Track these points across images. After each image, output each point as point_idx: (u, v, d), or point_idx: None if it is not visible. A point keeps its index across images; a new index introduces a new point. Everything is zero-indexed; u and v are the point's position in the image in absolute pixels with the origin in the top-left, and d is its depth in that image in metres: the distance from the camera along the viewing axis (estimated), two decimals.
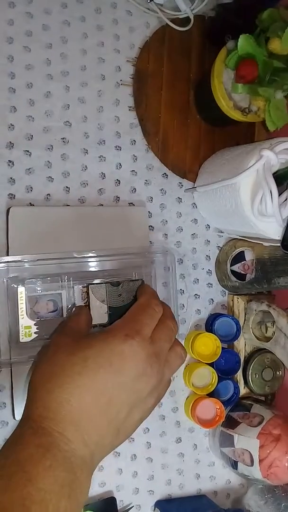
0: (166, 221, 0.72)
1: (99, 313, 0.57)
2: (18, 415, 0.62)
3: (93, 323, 0.57)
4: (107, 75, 0.68)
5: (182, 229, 0.73)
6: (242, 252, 0.72)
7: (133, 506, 0.69)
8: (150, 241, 0.71)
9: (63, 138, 0.66)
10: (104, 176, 0.68)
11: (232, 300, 0.75)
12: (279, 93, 0.61)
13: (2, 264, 0.58)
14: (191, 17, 0.69)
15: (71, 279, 0.60)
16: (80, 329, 0.52)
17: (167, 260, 0.68)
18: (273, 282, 0.66)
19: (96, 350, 0.44)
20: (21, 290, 0.59)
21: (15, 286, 0.59)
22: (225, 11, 0.70)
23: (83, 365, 0.42)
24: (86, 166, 0.67)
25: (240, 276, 0.72)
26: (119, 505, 0.68)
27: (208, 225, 0.75)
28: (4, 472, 0.36)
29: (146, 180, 0.71)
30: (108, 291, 0.57)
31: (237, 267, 0.72)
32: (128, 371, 0.44)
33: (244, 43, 0.60)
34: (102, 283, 0.58)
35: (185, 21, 0.70)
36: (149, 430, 0.70)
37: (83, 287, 0.63)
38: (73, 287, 0.63)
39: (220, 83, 0.64)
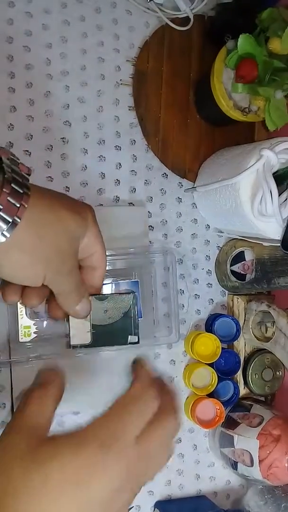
0: (166, 221, 0.72)
1: (80, 332, 0.49)
2: None
3: (73, 343, 0.49)
4: (107, 75, 0.68)
5: (182, 229, 0.73)
6: (242, 252, 0.72)
7: (132, 507, 0.69)
8: (150, 241, 0.70)
9: (63, 138, 0.66)
10: (104, 176, 0.68)
11: (232, 300, 0.75)
12: (279, 93, 0.61)
13: None
14: (191, 17, 0.69)
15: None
16: (40, 426, 0.37)
17: (167, 260, 0.68)
18: (273, 282, 0.66)
19: (60, 464, 0.33)
20: None
21: None
22: (225, 11, 0.70)
23: (43, 485, 0.31)
24: (85, 166, 0.67)
25: (240, 276, 0.72)
26: None
27: (208, 225, 0.75)
28: None
29: (146, 180, 0.71)
30: (92, 306, 0.48)
31: (237, 267, 0.72)
32: (99, 489, 0.33)
33: (244, 42, 0.60)
34: None
35: (185, 20, 0.70)
36: None
37: None
38: None
39: (220, 83, 0.64)
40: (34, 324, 0.59)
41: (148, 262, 0.67)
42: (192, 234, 0.74)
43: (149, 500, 0.70)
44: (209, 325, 0.73)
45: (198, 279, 0.74)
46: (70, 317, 0.48)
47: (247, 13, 0.63)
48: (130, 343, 0.52)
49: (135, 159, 0.70)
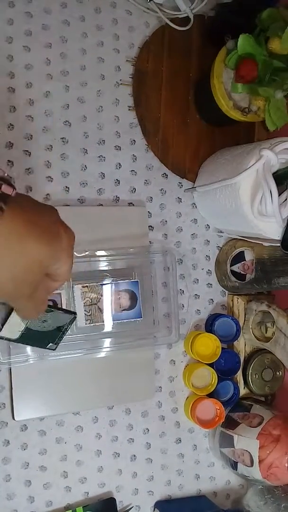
0: (166, 221, 0.72)
1: (13, 328, 0.52)
2: (18, 416, 0.62)
3: (0, 334, 0.52)
4: (106, 75, 0.68)
5: (182, 229, 0.73)
6: (242, 252, 0.72)
7: (132, 507, 0.69)
8: (150, 241, 0.70)
9: (63, 138, 0.66)
10: (104, 176, 0.68)
11: (232, 300, 0.75)
12: (279, 93, 0.61)
13: None
14: (191, 17, 0.69)
15: (70, 278, 0.60)
16: None
17: (167, 260, 0.68)
18: (273, 282, 0.66)
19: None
20: None
21: None
22: (225, 11, 0.70)
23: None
24: (85, 166, 0.67)
25: (240, 276, 0.72)
26: (119, 506, 0.68)
27: (208, 225, 0.75)
28: None
29: (146, 180, 0.71)
30: None
31: (237, 267, 0.72)
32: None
33: (244, 42, 0.60)
34: None
35: (184, 20, 0.70)
36: (148, 430, 0.70)
37: (83, 286, 0.63)
38: (72, 287, 0.62)
39: (220, 83, 0.64)
40: None
41: (148, 262, 0.67)
42: (192, 234, 0.74)
43: (149, 500, 0.70)
44: (209, 325, 0.73)
45: (198, 279, 0.74)
46: (11, 313, 0.51)
47: (247, 13, 0.63)
48: (48, 348, 0.56)
49: (135, 159, 0.70)
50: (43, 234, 0.39)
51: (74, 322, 0.57)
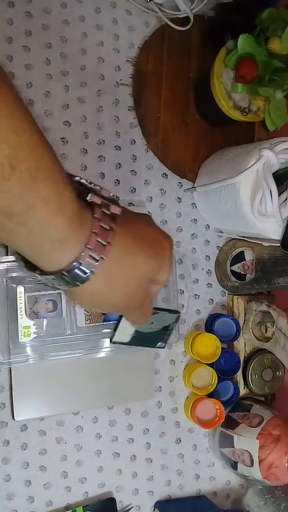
0: (166, 221, 0.72)
1: (124, 332, 0.56)
2: (18, 416, 0.62)
3: (114, 340, 0.57)
4: (106, 75, 0.68)
5: (182, 229, 0.73)
6: (242, 252, 0.72)
7: (132, 507, 0.69)
8: None
9: (63, 138, 0.66)
10: (104, 176, 0.68)
11: (232, 301, 0.75)
12: (279, 93, 0.61)
13: (2, 264, 0.58)
14: (191, 17, 0.69)
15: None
16: None
17: None
18: (273, 282, 0.66)
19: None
20: (21, 289, 0.59)
21: (15, 285, 0.59)
22: (225, 11, 0.70)
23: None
24: (85, 166, 0.67)
25: (240, 276, 0.72)
26: (119, 506, 0.68)
27: (208, 225, 0.75)
28: None
29: (146, 180, 0.71)
30: None
31: (237, 267, 0.72)
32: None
33: (243, 42, 0.60)
34: None
35: (184, 20, 0.70)
36: (148, 430, 0.70)
37: None
38: None
39: (220, 83, 0.64)
40: (34, 324, 0.59)
41: None
42: (192, 234, 0.74)
43: (149, 500, 0.70)
44: (209, 325, 0.73)
45: (198, 279, 0.74)
46: (121, 319, 0.55)
47: (247, 13, 0.63)
48: (157, 347, 0.61)
49: (135, 159, 0.70)
50: (150, 249, 0.41)
51: (179, 320, 0.60)
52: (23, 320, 0.59)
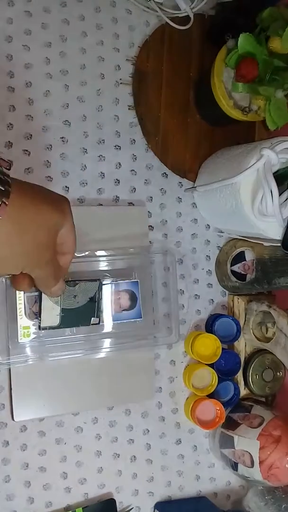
0: (166, 221, 0.72)
1: (50, 315, 0.55)
2: (17, 416, 0.62)
3: (43, 326, 0.55)
4: (106, 74, 0.68)
5: (182, 229, 0.73)
6: (242, 252, 0.72)
7: (132, 508, 0.69)
8: (150, 241, 0.70)
9: (62, 138, 0.66)
10: (104, 175, 0.68)
11: (232, 301, 0.75)
12: (280, 92, 0.61)
13: None
14: (191, 16, 0.69)
15: (69, 278, 0.60)
16: None
17: (167, 260, 0.68)
18: (273, 283, 0.66)
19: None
20: None
21: None
22: (225, 10, 0.69)
23: None
24: (85, 165, 0.67)
25: (240, 276, 0.72)
26: (119, 507, 0.68)
27: (208, 225, 0.74)
28: None
29: (146, 180, 0.71)
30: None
31: (237, 267, 0.72)
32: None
33: (244, 42, 0.60)
34: None
35: (185, 20, 0.69)
36: (149, 431, 0.70)
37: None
38: None
39: (220, 82, 0.63)
40: (33, 325, 0.59)
41: (148, 262, 0.67)
42: (192, 234, 0.74)
43: (149, 501, 0.70)
44: (209, 325, 0.72)
45: (198, 279, 0.74)
46: (42, 301, 0.53)
47: (247, 12, 0.63)
48: (92, 324, 0.59)
49: (135, 158, 0.70)
50: (50, 199, 0.43)
51: (102, 288, 0.58)
52: (23, 321, 0.59)
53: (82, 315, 0.58)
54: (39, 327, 0.56)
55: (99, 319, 0.59)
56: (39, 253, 0.43)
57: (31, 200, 0.41)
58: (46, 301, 0.53)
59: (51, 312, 0.54)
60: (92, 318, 0.58)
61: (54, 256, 0.45)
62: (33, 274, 0.45)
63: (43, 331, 0.57)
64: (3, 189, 0.38)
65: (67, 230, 0.45)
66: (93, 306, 0.58)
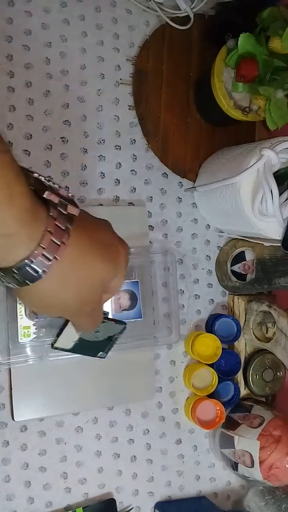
0: (166, 221, 0.72)
1: (67, 340, 0.55)
2: (17, 416, 0.62)
3: (56, 345, 0.55)
4: (106, 74, 0.68)
5: (182, 229, 0.73)
6: (243, 252, 0.72)
7: (132, 508, 0.69)
8: (150, 241, 0.70)
9: (63, 138, 0.66)
10: (104, 175, 0.68)
11: (233, 301, 0.75)
12: (280, 92, 0.61)
13: None
14: (191, 16, 0.69)
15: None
16: None
17: (167, 260, 0.68)
18: (273, 283, 0.66)
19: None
20: None
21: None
22: (225, 10, 0.69)
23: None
24: (85, 165, 0.67)
25: (240, 276, 0.72)
26: (119, 507, 0.67)
27: (208, 225, 0.74)
28: None
29: (146, 180, 0.71)
30: None
31: (237, 267, 0.72)
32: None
33: (244, 42, 0.60)
34: None
35: (185, 19, 0.69)
36: (149, 431, 0.70)
37: None
38: None
39: (221, 82, 0.63)
40: (33, 325, 0.59)
41: (148, 262, 0.67)
42: (192, 234, 0.74)
43: (149, 501, 0.70)
44: (210, 325, 0.72)
45: (198, 279, 0.74)
46: (66, 327, 0.53)
47: (247, 12, 0.63)
48: (98, 357, 0.59)
49: (135, 158, 0.70)
50: (107, 253, 0.40)
51: (123, 332, 0.58)
52: (23, 321, 0.59)
53: (93, 347, 0.58)
54: (52, 345, 0.56)
55: (106, 355, 0.59)
56: (80, 306, 0.40)
57: (87, 251, 0.38)
58: (70, 327, 0.53)
59: (69, 337, 0.54)
60: (100, 352, 0.59)
61: (98, 305, 0.43)
62: (72, 321, 0.45)
63: (52, 348, 0.57)
64: (63, 228, 0.35)
65: (118, 279, 0.42)
66: (106, 344, 0.58)
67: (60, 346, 0.55)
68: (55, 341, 0.55)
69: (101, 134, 0.68)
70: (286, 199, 0.58)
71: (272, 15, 0.61)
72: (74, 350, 0.56)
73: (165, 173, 0.71)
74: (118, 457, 0.68)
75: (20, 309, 0.59)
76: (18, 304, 0.59)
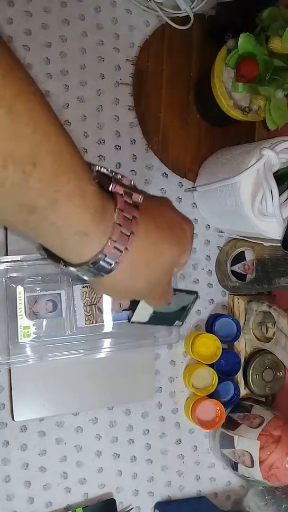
0: None
1: (143, 312, 0.56)
2: (17, 416, 0.62)
3: (133, 320, 0.56)
4: (106, 74, 0.68)
5: None
6: (243, 252, 0.72)
7: (132, 508, 0.68)
8: None
9: None
10: None
11: (233, 301, 0.75)
12: (280, 92, 0.61)
13: (1, 264, 0.57)
14: (191, 16, 0.69)
15: (70, 279, 0.60)
16: None
17: None
18: (273, 283, 0.66)
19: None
20: (20, 290, 0.59)
21: (14, 286, 0.59)
22: (225, 10, 0.69)
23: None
24: None
25: (240, 276, 0.72)
26: (119, 507, 0.67)
27: (208, 225, 0.74)
28: None
29: (146, 180, 0.71)
30: None
31: (237, 267, 0.72)
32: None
33: (244, 42, 0.60)
34: None
35: (185, 20, 0.69)
36: (149, 431, 0.70)
37: (82, 286, 0.63)
38: (72, 286, 0.62)
39: (221, 82, 0.63)
40: (33, 325, 0.59)
41: None
42: None
43: (149, 501, 0.70)
44: (210, 325, 0.72)
45: (198, 279, 0.74)
46: (140, 300, 0.53)
47: (247, 12, 0.63)
48: (175, 325, 0.61)
49: (135, 158, 0.70)
50: (173, 235, 0.41)
51: (196, 301, 0.61)
52: (23, 321, 0.59)
53: (169, 318, 0.59)
54: (128, 320, 0.56)
55: (182, 324, 0.61)
56: (151, 290, 0.42)
57: (154, 238, 0.39)
58: (143, 302, 0.54)
59: (145, 311, 0.55)
60: (177, 321, 0.60)
61: (169, 285, 0.45)
62: (145, 300, 0.47)
63: (130, 322, 0.57)
64: (130, 218, 0.36)
65: (186, 254, 0.43)
66: (181, 313, 0.60)
67: (136, 320, 0.56)
68: (131, 316, 0.56)
69: (101, 134, 0.68)
70: (286, 199, 0.58)
71: (272, 15, 0.61)
72: (150, 322, 0.57)
73: (165, 173, 0.71)
74: (118, 457, 0.68)
75: (20, 309, 0.59)
76: (18, 304, 0.59)
